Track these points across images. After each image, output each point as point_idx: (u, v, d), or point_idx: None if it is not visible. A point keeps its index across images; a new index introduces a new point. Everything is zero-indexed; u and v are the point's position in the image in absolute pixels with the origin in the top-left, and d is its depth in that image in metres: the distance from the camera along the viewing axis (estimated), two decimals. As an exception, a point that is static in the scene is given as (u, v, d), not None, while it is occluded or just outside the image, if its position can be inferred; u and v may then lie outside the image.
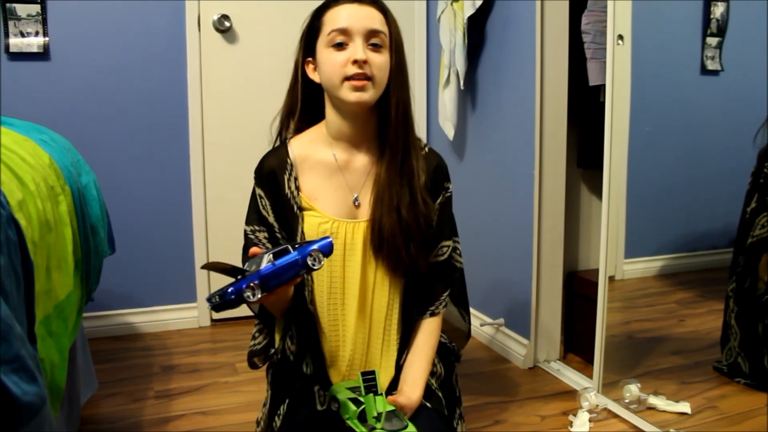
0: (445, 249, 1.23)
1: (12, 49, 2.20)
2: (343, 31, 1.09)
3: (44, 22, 2.23)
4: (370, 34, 1.09)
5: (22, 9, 2.20)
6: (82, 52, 2.30)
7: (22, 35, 2.21)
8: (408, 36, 2.64)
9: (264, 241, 1.16)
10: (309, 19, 1.16)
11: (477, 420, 1.76)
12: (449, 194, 1.24)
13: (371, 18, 1.10)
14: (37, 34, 2.23)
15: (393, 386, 1.17)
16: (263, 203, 1.17)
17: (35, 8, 2.21)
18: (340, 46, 1.09)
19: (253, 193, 1.19)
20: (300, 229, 1.14)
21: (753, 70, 2.00)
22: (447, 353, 1.30)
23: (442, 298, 1.23)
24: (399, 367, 1.19)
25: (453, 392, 1.28)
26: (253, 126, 2.51)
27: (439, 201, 1.21)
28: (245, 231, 1.18)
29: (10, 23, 2.20)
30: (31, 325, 0.93)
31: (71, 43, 2.28)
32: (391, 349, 1.19)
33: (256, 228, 1.17)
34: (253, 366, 1.27)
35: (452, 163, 2.52)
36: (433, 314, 1.22)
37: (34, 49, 2.23)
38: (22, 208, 0.99)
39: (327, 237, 1.01)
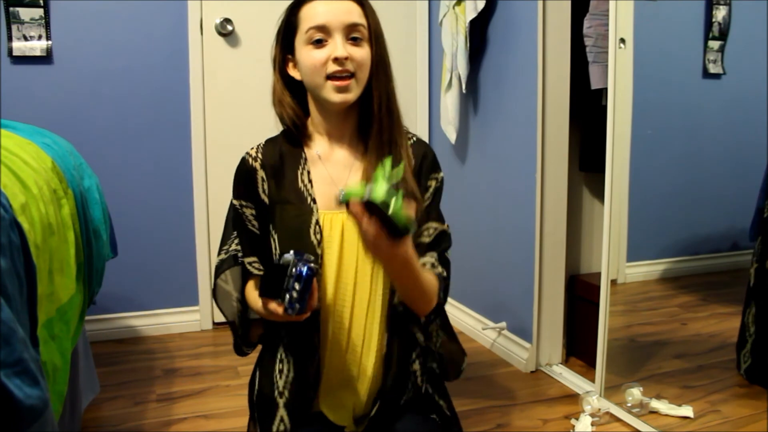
0: (431, 231, 1.17)
1: (15, 53, 2.21)
2: (321, 28, 1.06)
3: (47, 26, 2.24)
4: (350, 28, 1.07)
5: (25, 13, 2.21)
6: (85, 56, 2.30)
7: (25, 39, 2.22)
8: (410, 39, 2.65)
9: (251, 218, 1.16)
10: (284, 15, 1.13)
11: (479, 424, 1.76)
12: (439, 184, 1.20)
13: (349, 11, 1.07)
14: (40, 37, 2.24)
15: (377, 380, 1.13)
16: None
17: (38, 12, 2.22)
18: (319, 43, 1.07)
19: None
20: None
21: (755, 74, 2.00)
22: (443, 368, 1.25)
23: (430, 261, 1.16)
24: (385, 360, 1.14)
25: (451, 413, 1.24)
26: (256, 129, 2.50)
27: (427, 189, 1.18)
28: (232, 204, 1.18)
29: (14, 27, 2.20)
30: (34, 328, 0.93)
31: (74, 46, 2.29)
32: (374, 334, 1.13)
33: (244, 203, 1.17)
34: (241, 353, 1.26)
35: (454, 166, 2.52)
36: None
37: (37, 53, 2.24)
38: (25, 212, 1.00)
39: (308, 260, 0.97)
